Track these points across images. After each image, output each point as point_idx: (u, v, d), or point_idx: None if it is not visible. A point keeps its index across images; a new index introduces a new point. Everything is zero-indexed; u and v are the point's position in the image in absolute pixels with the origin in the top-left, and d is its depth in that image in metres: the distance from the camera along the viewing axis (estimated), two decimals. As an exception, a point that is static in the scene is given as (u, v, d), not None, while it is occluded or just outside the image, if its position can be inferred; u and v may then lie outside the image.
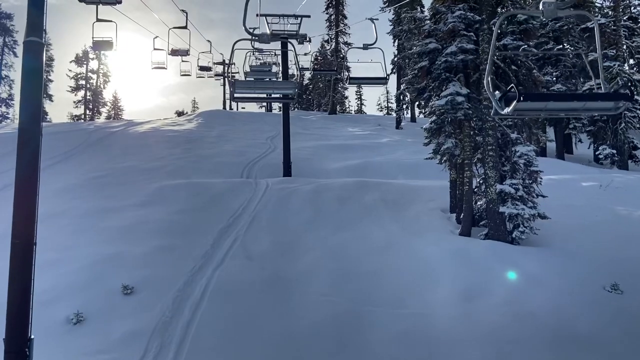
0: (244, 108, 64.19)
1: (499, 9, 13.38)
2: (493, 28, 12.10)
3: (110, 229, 13.86)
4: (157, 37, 18.75)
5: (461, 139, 13.26)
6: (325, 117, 46.02)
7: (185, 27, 16.09)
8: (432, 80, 13.32)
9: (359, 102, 70.99)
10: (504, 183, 12.26)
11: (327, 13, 50.89)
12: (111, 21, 12.89)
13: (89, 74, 59.43)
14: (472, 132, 13.17)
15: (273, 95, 11.95)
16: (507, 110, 5.72)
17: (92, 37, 13.35)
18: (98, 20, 12.70)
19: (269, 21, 20.66)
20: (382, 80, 15.61)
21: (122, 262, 11.88)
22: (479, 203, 12.87)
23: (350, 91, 66.00)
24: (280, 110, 62.77)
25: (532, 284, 10.09)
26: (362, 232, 13.24)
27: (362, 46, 14.76)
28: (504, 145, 12.73)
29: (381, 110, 69.64)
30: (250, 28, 19.46)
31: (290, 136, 21.10)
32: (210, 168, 21.46)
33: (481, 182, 12.92)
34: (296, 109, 57.33)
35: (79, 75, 58.63)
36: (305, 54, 27.52)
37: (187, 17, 15.68)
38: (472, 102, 13.03)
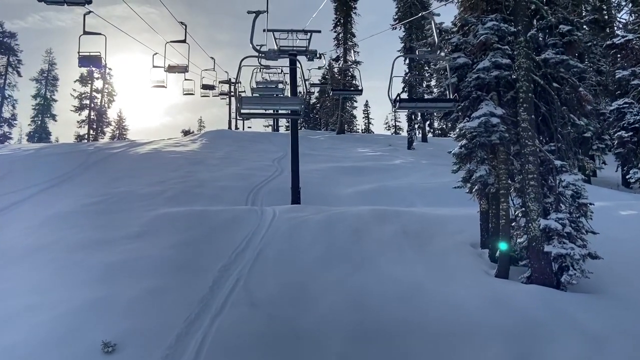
0: (250, 127, 63.18)
1: (534, 21, 11.90)
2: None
3: (98, 267, 12.25)
4: (156, 53, 17.46)
5: (495, 166, 11.64)
6: (333, 137, 44.63)
7: (184, 41, 14.74)
8: (462, 99, 11.77)
9: (366, 121, 69.80)
10: (548, 217, 10.58)
11: (335, 31, 49.96)
12: (100, 34, 11.56)
13: (94, 93, 58.74)
14: (507, 158, 11.55)
15: (280, 112, 12.00)
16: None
17: (79, 52, 12.01)
18: (85, 33, 11.37)
19: (277, 37, 19.37)
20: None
21: (107, 309, 10.24)
22: (518, 240, 11.16)
23: (358, 110, 64.81)
24: (287, 130, 61.70)
25: (596, 347, 8.32)
26: (383, 272, 11.54)
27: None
28: (546, 173, 11.10)
29: (389, 129, 68.32)
30: (257, 45, 18.22)
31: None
32: (212, 193, 19.93)
33: (520, 215, 11.25)
34: (303, 128, 56.09)
35: (83, 95, 57.91)
36: (319, 68, 27.28)
37: (185, 29, 14.34)
38: (507, 123, 11.45)
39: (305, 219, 14.99)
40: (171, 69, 18.43)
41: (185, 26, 14.22)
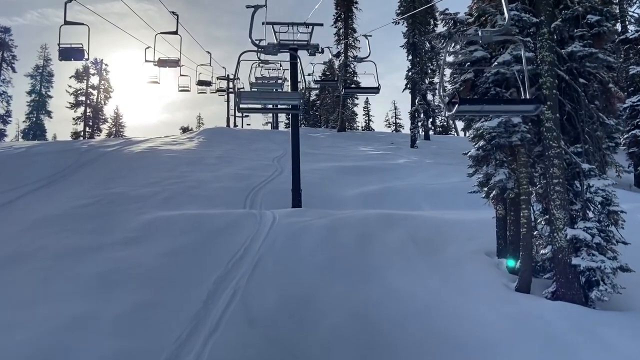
0: (249, 125, 62.20)
1: (558, 11, 10.91)
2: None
3: (84, 277, 11.26)
4: (148, 47, 16.39)
5: (514, 169, 10.68)
6: (334, 135, 43.62)
7: (175, 33, 13.68)
8: (479, 96, 10.79)
9: (366, 118, 68.82)
10: (575, 227, 9.63)
11: (335, 27, 48.87)
12: (82, 24, 10.50)
13: (90, 89, 57.67)
14: (528, 161, 10.59)
15: (279, 106, 12.03)
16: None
17: (59, 44, 10.96)
18: (66, 23, 10.33)
19: (277, 30, 18.37)
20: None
21: (92, 327, 9.25)
22: (542, 252, 10.22)
23: (358, 107, 63.78)
24: (287, 127, 60.66)
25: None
26: (393, 285, 10.59)
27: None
28: (572, 178, 10.14)
29: (389, 127, 67.39)
30: (256, 40, 17.19)
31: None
32: (209, 195, 18.94)
33: (543, 223, 10.31)
34: (303, 126, 55.05)
35: (79, 91, 56.79)
36: (324, 63, 27.47)
37: (177, 20, 13.27)
38: (528, 123, 10.49)
39: (306, 225, 14.04)
40: (162, 62, 17.22)
41: (177, 16, 13.18)
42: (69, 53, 11.05)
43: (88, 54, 10.90)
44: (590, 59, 10.18)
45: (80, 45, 10.86)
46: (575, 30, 10.41)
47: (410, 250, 12.32)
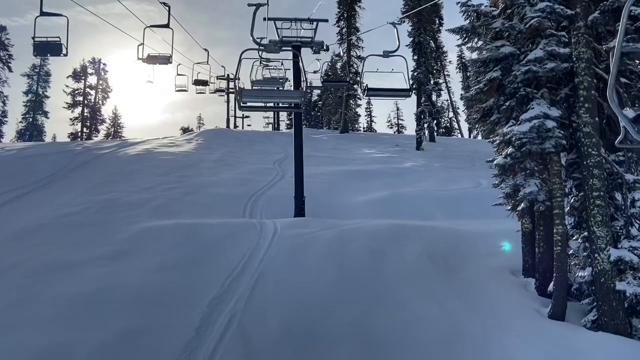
0: (249, 126, 61.08)
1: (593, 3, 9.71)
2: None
3: (62, 299, 10.04)
4: (141, 44, 15.15)
5: (546, 179, 9.48)
6: (337, 137, 42.45)
7: (167, 26, 12.46)
8: (506, 98, 9.61)
9: (368, 119, 67.56)
10: (619, 246, 8.45)
11: (338, 26, 47.71)
12: (61, 15, 9.30)
13: (87, 89, 56.53)
14: (562, 171, 9.40)
15: (280, 105, 12.42)
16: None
17: (33, 37, 9.73)
18: (43, 14, 9.12)
19: (279, 27, 17.22)
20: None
21: (66, 362, 8.11)
22: (579, 274, 9.02)
23: (361, 108, 62.46)
24: (288, 128, 59.45)
25: None
26: (410, 310, 9.39)
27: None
28: (612, 190, 8.96)
29: (391, 127, 66.10)
30: (258, 38, 15.95)
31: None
32: (205, 202, 17.76)
33: (580, 241, 9.12)
34: (304, 126, 53.88)
35: (76, 91, 55.67)
36: (335, 57, 25.62)
37: (169, 12, 12.07)
38: (563, 127, 9.30)
39: (311, 237, 12.84)
40: (151, 59, 15.80)
41: (169, 8, 11.98)
42: (45, 48, 9.85)
43: (66, 48, 9.70)
44: (633, 55, 9.01)
45: (58, 39, 9.67)
46: (616, 24, 9.22)
47: (427, 267, 11.13)
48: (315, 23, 17.31)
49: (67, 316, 9.42)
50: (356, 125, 60.59)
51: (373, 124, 67.64)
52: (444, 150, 35.63)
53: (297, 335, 8.78)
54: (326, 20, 18.01)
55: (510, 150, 9.24)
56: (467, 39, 9.97)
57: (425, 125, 37.31)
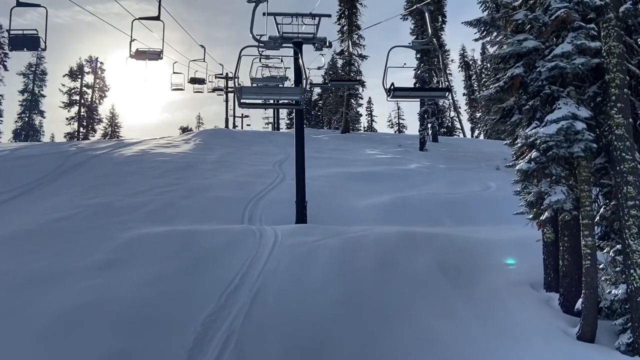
0: (249, 125, 60.25)
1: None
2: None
3: (45, 316, 9.17)
4: (134, 39, 14.23)
5: (573, 186, 8.65)
6: (338, 137, 41.59)
7: (157, 18, 11.57)
8: (528, 97, 8.77)
9: (369, 118, 66.66)
10: (657, 261, 7.62)
11: (339, 24, 46.82)
12: (39, 5, 8.47)
13: (84, 88, 55.65)
14: (591, 177, 8.56)
15: (280, 102, 12.09)
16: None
17: (9, 30, 8.85)
18: (19, 4, 8.25)
19: (279, 22, 16.38)
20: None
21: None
22: (612, 292, 8.19)
23: (361, 107, 61.52)
24: (288, 128, 58.59)
25: None
26: (424, 330, 8.56)
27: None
28: (646, 198, 8.11)
29: (392, 127, 65.19)
30: (257, 35, 15.12)
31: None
32: (202, 206, 16.92)
33: (612, 255, 8.30)
34: (305, 126, 53.01)
35: (73, 90, 54.79)
36: (333, 62, 24.91)
37: (160, 3, 11.18)
38: (590, 129, 8.46)
39: (314, 246, 12.01)
40: (140, 54, 14.69)
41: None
42: (22, 42, 8.97)
43: (45, 42, 8.83)
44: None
45: (35, 32, 8.79)
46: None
47: (440, 280, 10.30)
48: (317, 18, 16.47)
49: (48, 336, 8.62)
50: (357, 125, 59.77)
51: (374, 123, 66.88)
52: (448, 150, 34.80)
53: (298, 358, 7.96)
54: (329, 16, 17.15)
55: (534, 154, 8.40)
56: (485, 33, 9.14)
57: (429, 126, 36.45)
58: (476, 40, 9.60)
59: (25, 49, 9.20)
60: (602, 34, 8.55)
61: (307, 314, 9.26)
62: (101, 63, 56.29)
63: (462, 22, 8.76)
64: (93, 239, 13.30)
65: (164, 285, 10.51)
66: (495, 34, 9.16)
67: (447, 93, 11.44)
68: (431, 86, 12.48)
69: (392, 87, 10.16)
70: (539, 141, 8.26)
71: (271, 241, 12.67)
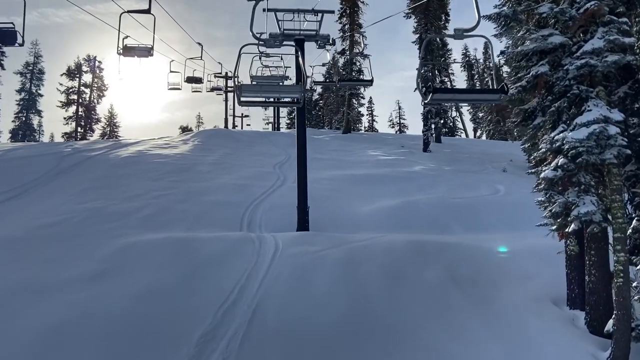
0: (249, 125, 59.47)
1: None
2: None
3: (27, 334, 8.41)
4: (127, 36, 13.35)
5: (603, 196, 7.89)
6: (339, 137, 40.85)
7: (148, 12, 10.78)
8: (554, 98, 8.01)
9: (370, 118, 65.90)
10: (699, 281, 6.87)
11: (340, 22, 46.08)
12: (16, -4, 7.75)
13: (82, 87, 54.85)
14: (622, 185, 7.80)
15: (280, 100, 12.10)
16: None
17: (-18, 25, 8.10)
18: (-6, -6, 7.56)
19: (280, 18, 15.63)
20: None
21: None
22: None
23: (363, 107, 60.73)
24: (288, 129, 57.84)
25: None
26: (436, 354, 7.81)
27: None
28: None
29: (393, 127, 64.38)
30: (257, 33, 14.38)
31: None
32: (199, 211, 16.15)
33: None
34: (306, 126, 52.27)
35: (71, 90, 53.99)
36: (335, 62, 24.54)
37: (151, -2, 10.39)
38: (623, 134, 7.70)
39: (317, 257, 11.24)
40: (128, 51, 13.69)
41: (153, -7, 10.31)
42: None
43: (22, 37, 8.03)
44: None
45: (11, 26, 7.99)
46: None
47: (454, 296, 9.54)
48: (320, 15, 15.73)
49: (29, 356, 7.89)
50: (358, 125, 58.98)
51: (375, 123, 66.12)
52: (452, 151, 34.05)
53: (302, 387, 7.22)
54: (332, 12, 16.43)
55: (562, 160, 7.63)
56: (505, 27, 8.36)
57: (433, 126, 35.70)
58: (495, 36, 8.72)
59: (1, 46, 8.40)
60: (634, 29, 7.79)
61: (310, 333, 8.50)
62: (99, 62, 55.54)
63: (483, 16, 7.92)
64: (83, 247, 12.56)
65: (155, 299, 9.78)
66: (516, 28, 8.37)
67: (502, 95, 8.26)
68: (482, 87, 10.66)
69: (430, 88, 8.28)
70: (567, 146, 7.49)
71: (271, 250, 11.91)
